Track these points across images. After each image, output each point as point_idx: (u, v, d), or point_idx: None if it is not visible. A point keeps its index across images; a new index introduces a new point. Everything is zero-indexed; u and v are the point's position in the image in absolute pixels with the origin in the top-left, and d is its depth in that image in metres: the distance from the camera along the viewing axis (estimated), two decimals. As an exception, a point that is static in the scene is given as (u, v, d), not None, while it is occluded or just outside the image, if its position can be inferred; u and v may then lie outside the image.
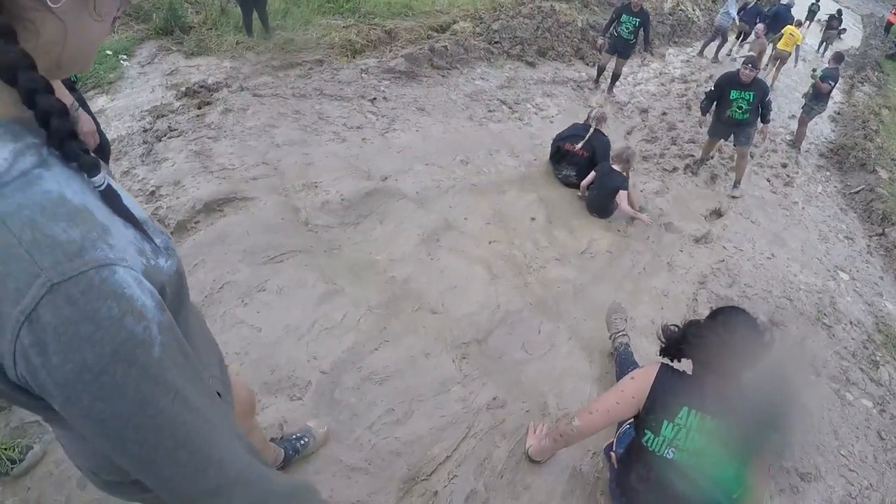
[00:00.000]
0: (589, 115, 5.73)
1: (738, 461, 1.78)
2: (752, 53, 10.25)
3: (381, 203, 4.26)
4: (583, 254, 4.57)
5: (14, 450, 2.11)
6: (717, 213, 6.09)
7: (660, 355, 2.13)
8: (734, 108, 6.19)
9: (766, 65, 12.01)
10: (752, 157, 6.72)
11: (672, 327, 2.12)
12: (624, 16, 7.96)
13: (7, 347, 0.57)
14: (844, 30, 16.99)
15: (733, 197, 6.48)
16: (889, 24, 23.01)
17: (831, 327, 4.78)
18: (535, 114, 7.05)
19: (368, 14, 8.60)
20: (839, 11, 17.47)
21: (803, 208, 6.95)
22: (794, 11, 14.07)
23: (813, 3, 16.18)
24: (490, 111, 6.66)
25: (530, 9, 9.63)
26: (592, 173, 5.30)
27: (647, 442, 1.90)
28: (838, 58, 8.90)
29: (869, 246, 6.61)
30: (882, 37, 22.71)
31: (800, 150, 8.71)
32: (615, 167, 5.19)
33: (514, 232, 4.52)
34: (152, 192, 3.77)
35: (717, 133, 6.58)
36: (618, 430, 2.56)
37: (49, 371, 0.57)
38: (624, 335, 3.30)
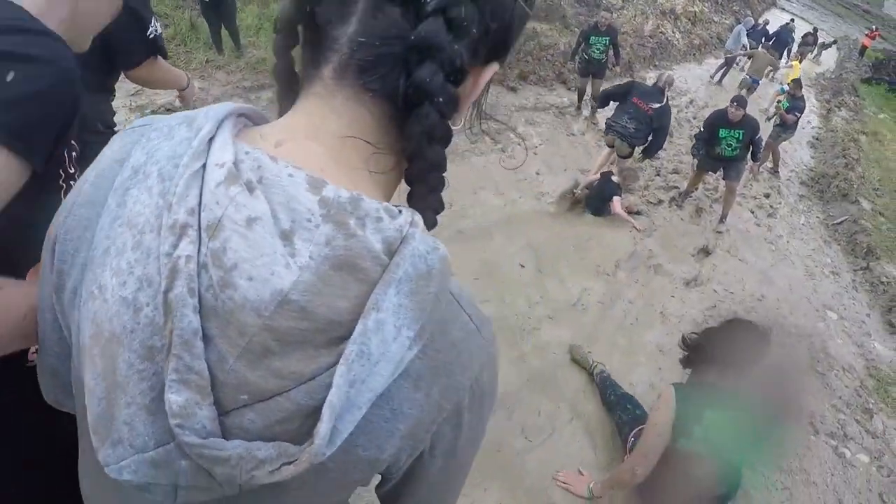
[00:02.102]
0: (660, 77, 6.29)
1: (753, 447, 2.08)
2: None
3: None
4: (574, 306, 4.38)
5: None
6: (706, 252, 5.89)
7: (682, 364, 2.47)
8: (724, 146, 6.08)
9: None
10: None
11: (692, 335, 2.43)
12: (592, 37, 7.89)
13: None
14: (834, 42, 16.99)
15: (719, 232, 6.35)
16: (863, 48, 22.85)
17: (825, 375, 4.64)
18: (518, 144, 6.82)
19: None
20: (815, 29, 17.64)
21: (788, 242, 6.86)
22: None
23: (788, 23, 16.20)
24: (472, 143, 6.34)
25: (512, 30, 9.48)
26: (597, 176, 5.83)
27: (682, 446, 2.14)
28: (798, 85, 8.52)
29: (854, 281, 6.54)
30: (857, 60, 22.28)
31: (778, 173, 8.62)
32: (613, 178, 5.72)
33: (503, 286, 4.30)
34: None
35: (706, 167, 6.47)
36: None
37: None
38: (599, 364, 3.61)
